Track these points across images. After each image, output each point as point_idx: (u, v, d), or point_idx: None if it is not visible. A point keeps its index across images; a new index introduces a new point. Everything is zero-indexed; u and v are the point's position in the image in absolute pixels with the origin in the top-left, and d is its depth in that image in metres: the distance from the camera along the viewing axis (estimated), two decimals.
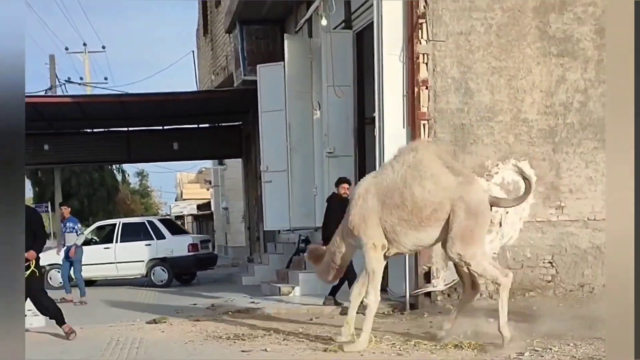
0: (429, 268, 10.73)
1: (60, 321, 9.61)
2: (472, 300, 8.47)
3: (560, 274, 11.17)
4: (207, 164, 40.88)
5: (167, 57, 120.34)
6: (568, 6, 11.28)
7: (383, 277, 8.39)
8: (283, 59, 14.79)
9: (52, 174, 28.83)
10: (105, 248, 19.29)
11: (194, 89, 26.28)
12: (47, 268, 17.66)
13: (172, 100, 21.95)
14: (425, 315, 10.20)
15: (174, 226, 21.89)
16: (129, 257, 19.17)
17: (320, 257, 8.81)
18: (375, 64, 10.97)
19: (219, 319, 10.93)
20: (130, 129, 24.90)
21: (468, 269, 7.96)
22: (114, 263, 19.17)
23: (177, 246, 19.37)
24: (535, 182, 8.39)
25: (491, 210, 8.00)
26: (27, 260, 8.96)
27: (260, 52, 17.47)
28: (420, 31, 10.86)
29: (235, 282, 17.53)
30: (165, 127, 24.93)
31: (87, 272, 16.26)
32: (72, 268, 14.87)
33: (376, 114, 11.03)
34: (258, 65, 15.92)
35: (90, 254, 17.12)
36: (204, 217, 45.81)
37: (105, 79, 72.82)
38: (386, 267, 10.26)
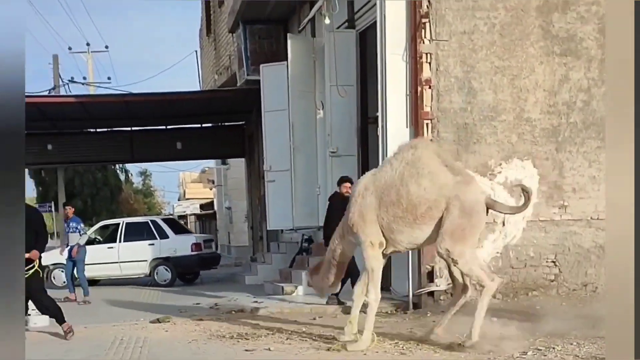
0: (432, 267, 10.70)
1: (60, 320, 9.62)
2: (459, 302, 8.24)
3: (563, 273, 11.15)
4: (210, 163, 40.85)
5: (169, 57, 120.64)
6: (571, 5, 11.25)
7: (386, 277, 8.38)
8: (286, 59, 14.78)
9: (55, 173, 28.89)
10: (108, 247, 19.28)
11: (197, 88, 26.26)
12: (51, 267, 17.76)
13: (175, 100, 21.91)
14: (429, 315, 10.18)
15: (177, 226, 21.85)
16: (132, 256, 19.16)
17: (318, 267, 8.82)
18: (379, 63, 10.95)
19: (222, 318, 10.95)
20: (133, 128, 24.88)
21: (455, 266, 7.88)
22: (117, 262, 19.16)
23: (180, 246, 19.37)
24: (537, 190, 8.34)
25: (487, 212, 7.94)
26: (31, 260, 9.00)
27: (263, 51, 17.47)
28: (423, 31, 10.85)
29: (238, 281, 17.52)
30: (169, 127, 24.91)
31: (90, 272, 16.27)
32: (75, 268, 14.89)
33: (379, 114, 11.01)
34: (261, 65, 15.90)
35: (94, 253, 17.12)
36: (207, 216, 45.86)
37: (109, 78, 73.34)
38: (389, 267, 10.28)
